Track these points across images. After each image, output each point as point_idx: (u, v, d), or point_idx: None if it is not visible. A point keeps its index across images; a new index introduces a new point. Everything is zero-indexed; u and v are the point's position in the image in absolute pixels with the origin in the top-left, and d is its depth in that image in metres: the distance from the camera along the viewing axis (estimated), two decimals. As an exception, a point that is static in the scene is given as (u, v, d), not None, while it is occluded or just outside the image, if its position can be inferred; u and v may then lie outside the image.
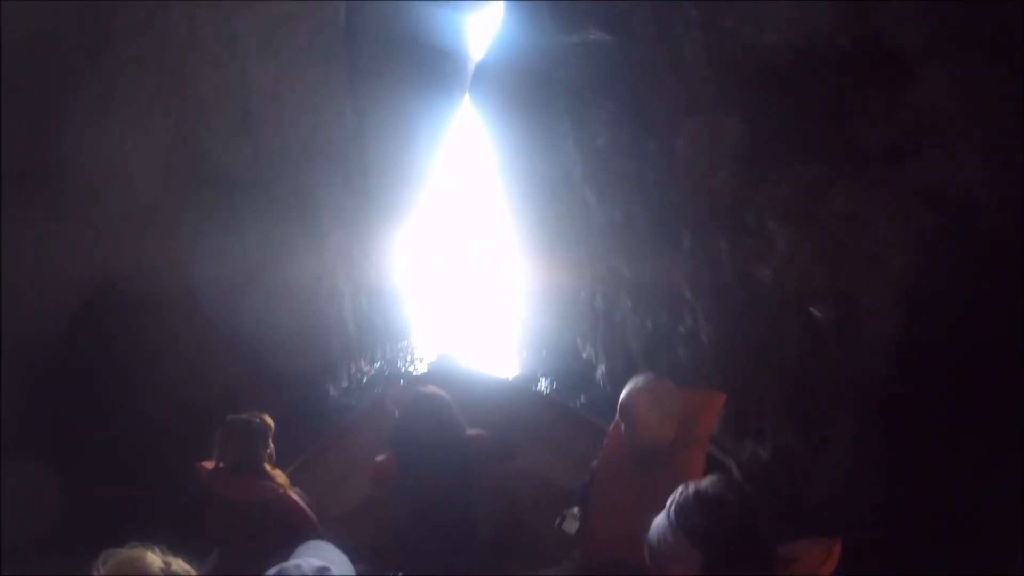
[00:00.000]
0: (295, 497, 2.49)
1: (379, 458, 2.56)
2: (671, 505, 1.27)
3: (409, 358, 10.04)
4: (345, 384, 7.47)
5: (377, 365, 8.99)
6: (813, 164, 3.29)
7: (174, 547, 1.36)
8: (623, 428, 2.05)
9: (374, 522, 2.66)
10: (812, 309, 3.24)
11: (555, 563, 2.38)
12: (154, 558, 1.28)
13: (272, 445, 2.57)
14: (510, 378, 5.60)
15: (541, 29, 7.46)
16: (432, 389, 2.64)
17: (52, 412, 3.63)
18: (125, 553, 1.28)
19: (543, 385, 7.11)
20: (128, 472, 3.79)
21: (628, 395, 2.03)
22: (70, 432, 3.68)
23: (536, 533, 2.71)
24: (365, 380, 8.10)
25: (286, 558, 1.35)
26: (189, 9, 4.87)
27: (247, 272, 5.18)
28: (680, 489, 1.28)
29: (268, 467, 2.53)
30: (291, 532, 2.30)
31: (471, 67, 11.49)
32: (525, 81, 8.40)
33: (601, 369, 6.60)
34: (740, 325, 3.84)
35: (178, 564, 1.31)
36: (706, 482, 1.27)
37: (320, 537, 1.96)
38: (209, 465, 2.53)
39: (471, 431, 2.57)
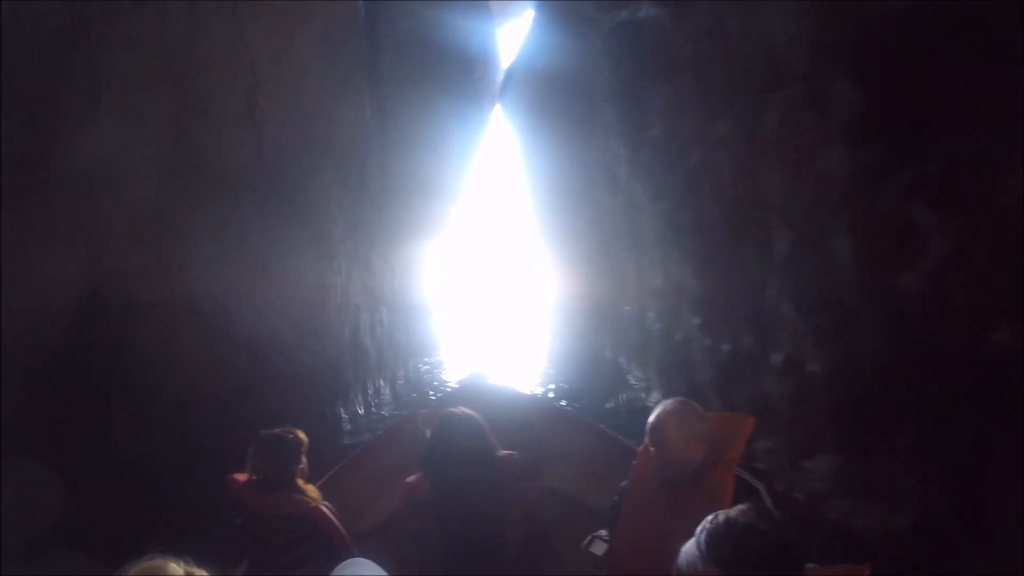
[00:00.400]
0: (326, 512, 2.49)
1: (410, 479, 2.52)
2: (701, 533, 1.26)
3: (436, 376, 9.59)
4: (361, 410, 6.71)
5: (400, 383, 8.42)
6: (982, 133, 2.36)
7: (176, 550, 1.32)
8: (652, 450, 2.06)
9: (402, 539, 2.67)
10: (989, 333, 2.28)
11: None
12: (176, 568, 1.28)
13: (305, 460, 2.58)
14: (540, 396, 5.42)
15: (579, 17, 6.84)
16: (463, 410, 2.59)
17: (52, 413, 3.59)
18: (147, 563, 1.27)
19: (573, 405, 6.77)
20: (128, 473, 3.73)
21: (657, 418, 2.05)
22: (70, 432, 3.64)
23: (563, 552, 2.65)
24: (382, 404, 7.43)
25: (322, 573, 1.35)
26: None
27: (246, 278, 4.88)
28: (710, 517, 1.27)
29: (300, 482, 2.54)
30: (321, 547, 2.38)
31: (500, 75, 11.15)
32: (559, 79, 7.88)
33: (655, 396, 5.66)
34: (869, 354, 2.87)
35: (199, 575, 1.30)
36: (737, 511, 1.26)
37: (350, 552, 2.16)
38: (241, 478, 2.54)
39: (501, 452, 2.53)
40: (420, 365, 9.72)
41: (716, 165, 4.20)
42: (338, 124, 6.45)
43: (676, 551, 1.31)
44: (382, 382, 7.80)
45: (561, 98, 7.96)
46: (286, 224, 5.42)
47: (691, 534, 1.28)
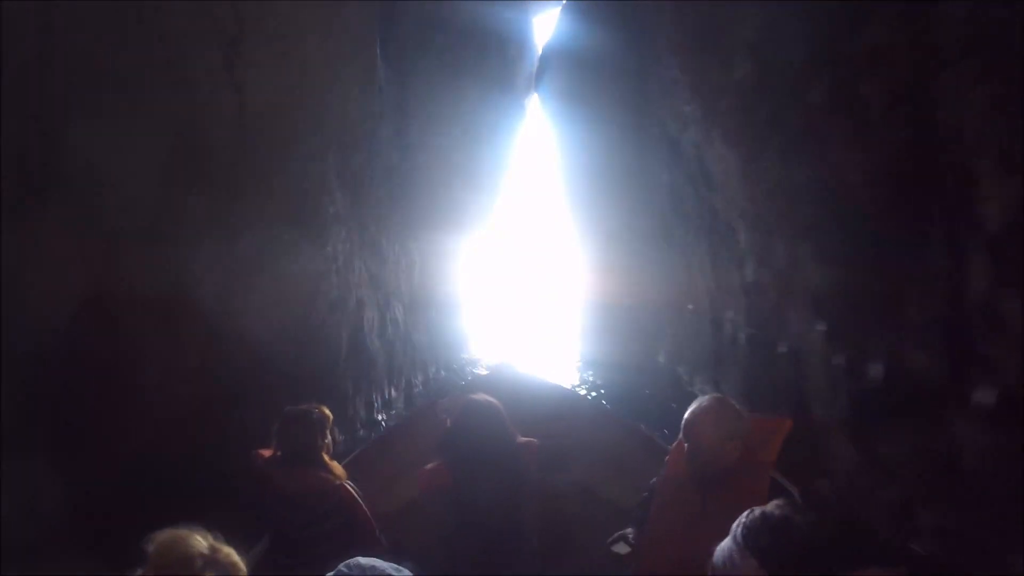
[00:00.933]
0: (351, 490, 2.49)
1: (429, 466, 2.47)
2: (738, 527, 1.27)
3: (465, 374, 8.84)
4: (360, 429, 5.65)
5: (418, 389, 7.53)
6: None
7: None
8: (686, 447, 2.01)
9: (420, 524, 2.59)
10: None
11: None
12: (199, 540, 1.28)
13: (331, 436, 2.60)
14: (570, 389, 5.09)
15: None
16: (483, 396, 2.56)
17: (52, 413, 3.57)
18: (172, 532, 1.29)
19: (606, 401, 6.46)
20: (127, 474, 3.72)
21: (693, 414, 1.99)
22: (69, 433, 3.62)
23: (584, 545, 2.65)
24: (390, 418, 6.36)
25: (344, 551, 1.32)
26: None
27: (243, 276, 4.41)
28: (747, 512, 1.28)
29: (326, 458, 2.54)
30: (344, 525, 2.42)
31: (536, 61, 10.23)
32: (602, 48, 7.06)
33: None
34: None
35: (226, 552, 1.30)
36: (773, 505, 1.28)
37: (373, 533, 2.42)
38: (266, 453, 2.55)
39: (522, 440, 2.50)
40: (448, 366, 8.97)
41: (858, 100, 2.79)
42: (338, 98, 5.25)
43: (702, 550, 1.34)
44: (393, 392, 6.67)
45: (604, 70, 7.10)
46: (262, 202, 4.39)
47: (718, 534, 1.31)
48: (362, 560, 1.21)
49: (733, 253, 4.36)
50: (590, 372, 8.91)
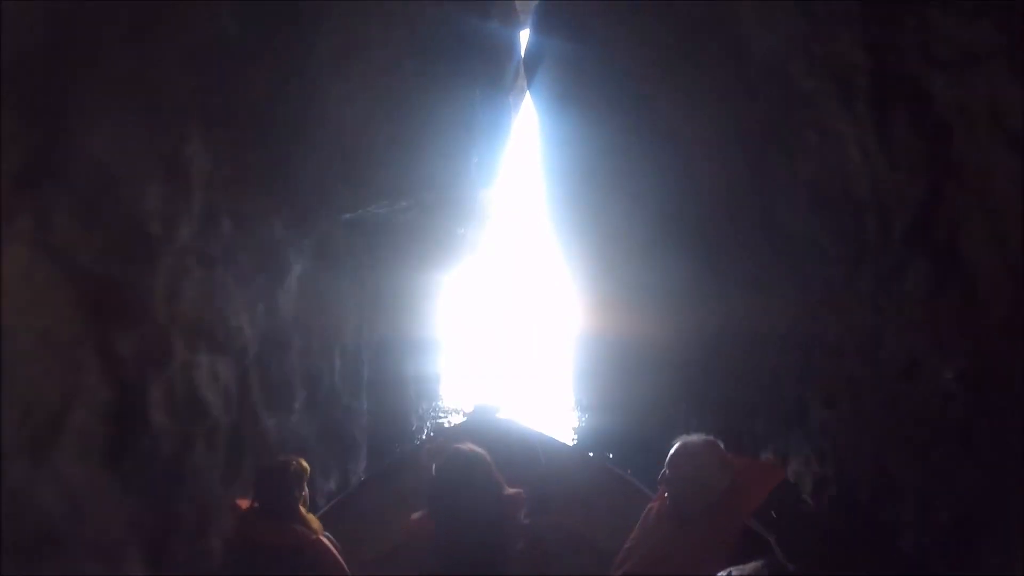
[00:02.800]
0: (327, 543, 2.50)
1: (415, 516, 2.51)
2: None
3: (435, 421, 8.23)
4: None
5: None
6: None
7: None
8: (667, 478, 2.05)
9: (403, 573, 2.58)
10: None
11: None
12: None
13: (307, 489, 2.61)
14: (546, 436, 4.93)
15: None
16: (468, 446, 2.52)
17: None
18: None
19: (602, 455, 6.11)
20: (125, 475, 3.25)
21: (677, 451, 2.03)
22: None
23: None
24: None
25: None
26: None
27: None
28: (723, 575, 1.26)
29: (303, 511, 2.54)
30: None
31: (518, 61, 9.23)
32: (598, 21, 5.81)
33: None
34: None
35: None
36: (752, 570, 1.22)
37: None
38: (244, 505, 2.57)
39: (509, 491, 2.47)
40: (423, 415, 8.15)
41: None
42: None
43: None
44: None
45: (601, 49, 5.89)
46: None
47: (689, 566, 1.42)
48: None
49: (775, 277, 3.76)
50: (583, 416, 8.37)
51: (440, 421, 8.06)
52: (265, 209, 4.22)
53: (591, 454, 5.27)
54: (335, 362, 5.35)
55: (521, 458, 3.39)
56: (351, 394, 5.66)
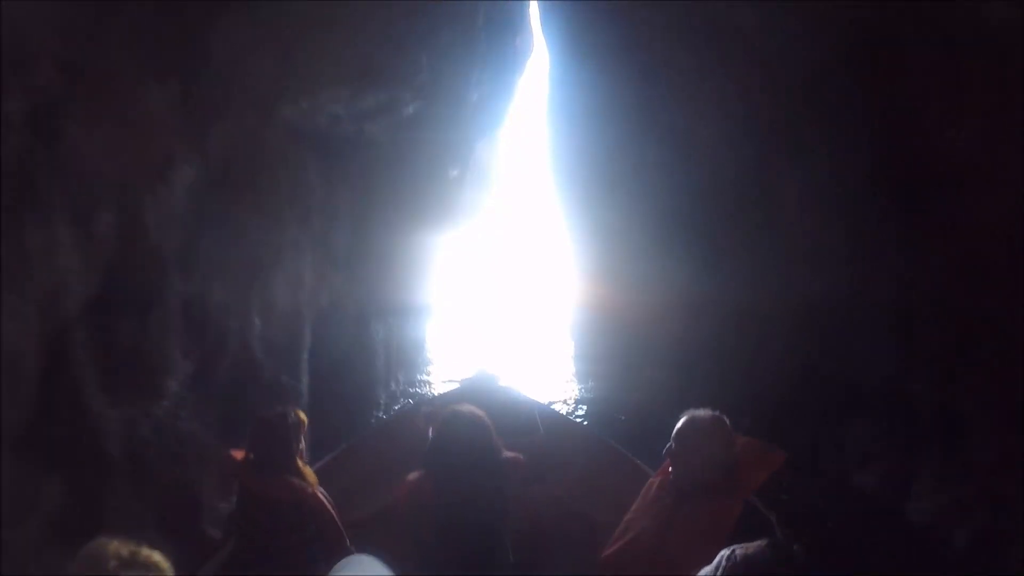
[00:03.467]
0: (322, 498, 2.48)
1: (412, 476, 2.44)
2: (717, 570, 1.23)
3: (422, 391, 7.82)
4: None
5: None
6: None
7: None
8: (672, 451, 2.07)
9: (395, 533, 2.54)
10: None
11: None
12: (117, 547, 1.33)
13: (304, 442, 2.57)
14: (542, 403, 4.65)
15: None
16: (468, 407, 2.50)
17: (51, 412, 2.98)
18: (93, 544, 1.34)
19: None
20: (123, 472, 3.11)
21: (684, 424, 2.05)
22: (68, 432, 3.06)
23: (560, 558, 2.72)
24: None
25: (313, 560, 1.46)
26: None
27: None
28: (727, 554, 1.24)
29: (300, 463, 2.51)
30: (314, 533, 2.44)
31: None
32: None
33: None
34: None
35: (146, 554, 1.35)
36: (756, 549, 1.23)
37: (343, 542, 2.40)
38: (239, 455, 2.53)
39: (508, 454, 2.48)
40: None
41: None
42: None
43: (667, 555, 1.53)
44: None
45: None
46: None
47: (684, 542, 1.46)
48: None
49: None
50: (581, 386, 8.34)
51: (418, 394, 7.45)
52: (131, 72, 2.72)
53: (587, 425, 5.31)
54: (252, 324, 3.86)
55: (520, 426, 3.43)
56: (281, 368, 4.19)
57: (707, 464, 1.95)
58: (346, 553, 2.27)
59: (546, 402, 5.20)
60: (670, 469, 2.06)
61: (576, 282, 9.62)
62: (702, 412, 2.04)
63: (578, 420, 6.22)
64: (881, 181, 3.39)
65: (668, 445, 2.07)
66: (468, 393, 3.91)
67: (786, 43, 3.53)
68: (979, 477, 2.92)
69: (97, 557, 1.29)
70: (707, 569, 1.25)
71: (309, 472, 2.51)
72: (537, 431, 3.68)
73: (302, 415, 2.53)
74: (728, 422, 2.04)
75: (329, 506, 2.46)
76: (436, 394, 6.13)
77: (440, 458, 2.39)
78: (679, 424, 2.04)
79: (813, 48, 3.36)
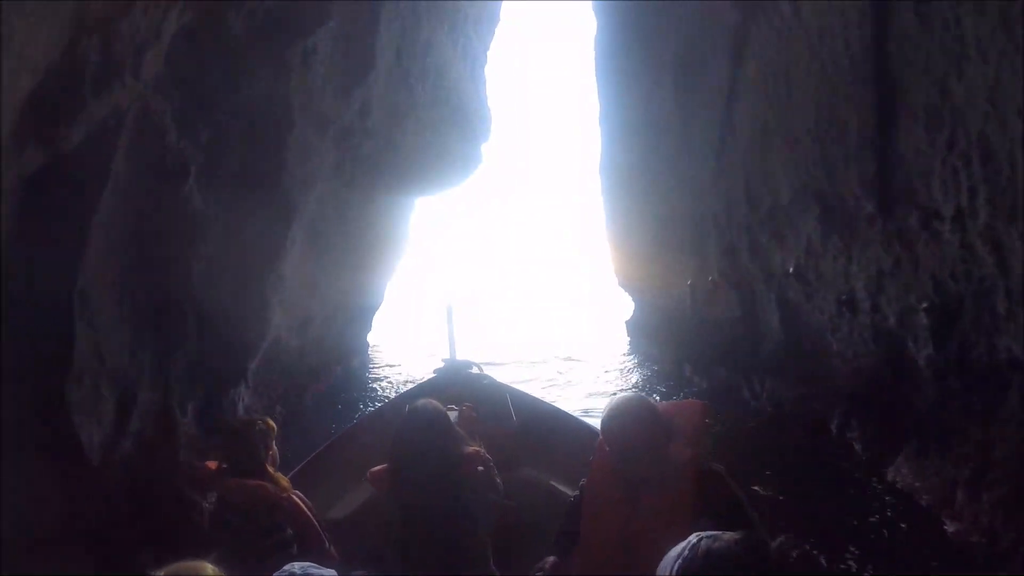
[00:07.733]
0: (297, 501, 2.52)
1: (376, 468, 2.62)
2: (677, 560, 1.15)
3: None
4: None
5: None
6: None
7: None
8: (607, 448, 2.06)
9: (372, 528, 2.73)
10: None
11: None
12: (210, 569, 1.37)
13: (275, 448, 2.65)
14: (535, 396, 4.74)
15: None
16: (427, 402, 2.64)
17: (51, 411, 3.23)
18: (183, 563, 1.37)
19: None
20: (121, 470, 3.38)
21: (608, 415, 2.01)
22: (67, 430, 3.29)
23: (535, 541, 2.66)
24: None
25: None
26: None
27: None
28: (694, 542, 1.16)
29: (271, 470, 2.58)
30: (292, 537, 2.47)
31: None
32: None
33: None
34: None
35: None
36: (723, 544, 1.13)
37: (321, 543, 2.46)
38: (212, 466, 2.62)
39: (468, 449, 2.61)
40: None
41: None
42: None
43: (639, 554, 1.46)
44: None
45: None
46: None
47: (653, 536, 1.35)
48: (296, 568, 1.42)
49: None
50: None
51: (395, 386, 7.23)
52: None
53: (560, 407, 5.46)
54: (73, 308, 2.85)
55: (493, 413, 3.50)
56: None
57: (640, 445, 1.92)
58: (325, 554, 2.35)
59: (520, 388, 5.18)
60: (611, 462, 2.02)
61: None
62: (621, 400, 2.01)
63: (552, 403, 6.28)
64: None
65: (599, 439, 2.05)
66: (442, 383, 3.99)
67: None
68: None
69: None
70: (676, 549, 1.18)
71: (281, 477, 2.56)
72: (510, 419, 3.75)
73: (271, 422, 2.59)
74: (648, 397, 2.05)
75: (306, 508, 2.50)
76: (413, 385, 6.08)
77: (397, 450, 2.52)
78: (604, 420, 1.99)
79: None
